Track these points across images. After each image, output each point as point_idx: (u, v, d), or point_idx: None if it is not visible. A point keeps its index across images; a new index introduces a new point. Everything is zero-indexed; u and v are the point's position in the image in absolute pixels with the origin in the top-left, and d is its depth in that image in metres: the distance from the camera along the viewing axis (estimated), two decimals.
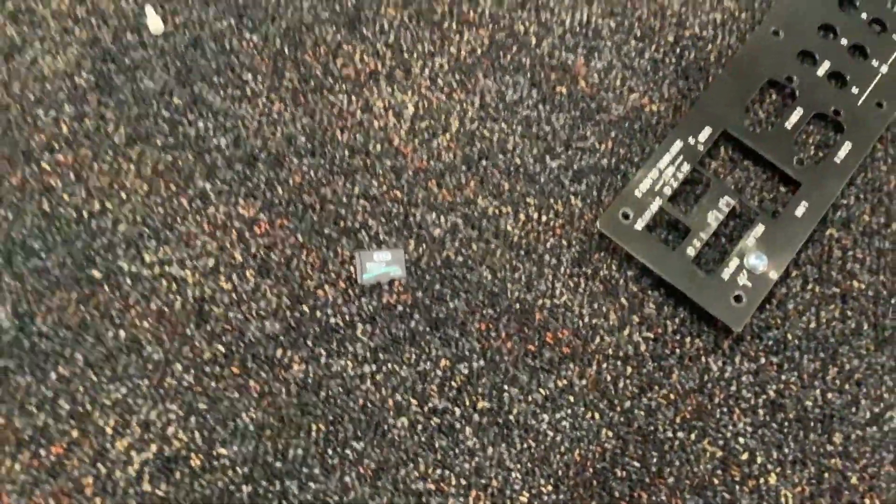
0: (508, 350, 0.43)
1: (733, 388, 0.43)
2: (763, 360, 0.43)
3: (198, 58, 0.47)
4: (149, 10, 0.48)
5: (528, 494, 0.40)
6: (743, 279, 0.44)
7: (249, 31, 0.48)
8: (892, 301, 0.44)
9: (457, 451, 0.41)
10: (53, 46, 0.47)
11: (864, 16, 0.50)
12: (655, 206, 0.45)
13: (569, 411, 0.42)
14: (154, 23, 0.47)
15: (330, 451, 0.40)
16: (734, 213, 0.46)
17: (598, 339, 0.43)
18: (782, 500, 0.41)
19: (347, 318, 0.43)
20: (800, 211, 0.45)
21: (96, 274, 0.43)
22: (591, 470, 0.41)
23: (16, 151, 0.45)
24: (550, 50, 0.49)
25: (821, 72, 0.49)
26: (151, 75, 0.47)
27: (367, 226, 0.45)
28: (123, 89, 0.46)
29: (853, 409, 0.42)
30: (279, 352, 0.42)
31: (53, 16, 0.48)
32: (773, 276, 0.44)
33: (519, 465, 0.41)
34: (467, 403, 0.42)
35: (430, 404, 0.42)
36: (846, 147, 0.47)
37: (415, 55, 0.49)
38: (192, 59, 0.47)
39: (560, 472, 0.41)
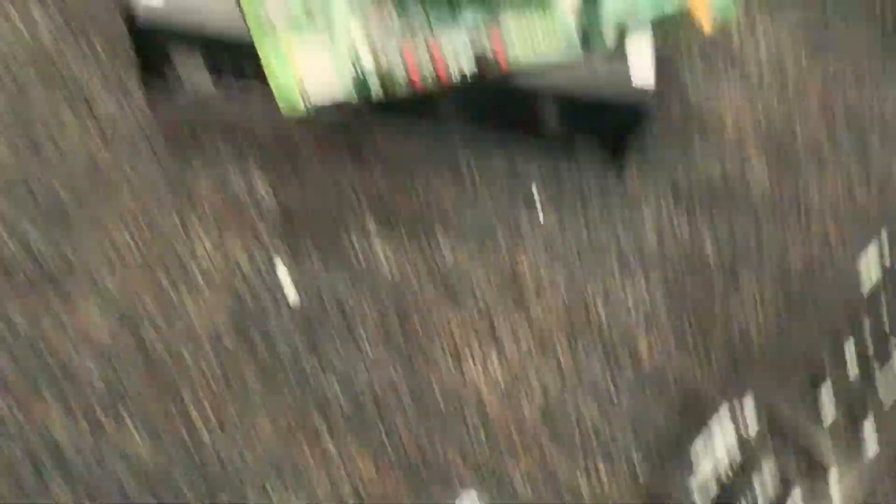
0: None
1: None
2: None
3: (323, 321, 0.56)
4: (281, 269, 0.56)
5: None
6: None
7: (365, 300, 0.57)
8: None
9: None
10: (204, 304, 0.56)
11: None
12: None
13: None
14: (290, 292, 0.56)
15: None
16: None
17: None
18: None
19: None
20: None
21: None
22: None
23: (165, 396, 0.53)
24: (621, 330, 0.58)
25: None
26: (286, 339, 0.55)
27: (463, 482, 0.52)
28: (259, 347, 0.55)
29: None
30: None
31: (203, 274, 0.56)
32: None
33: None
34: None
35: None
36: None
37: (505, 328, 0.57)
38: (320, 322, 0.56)
39: None
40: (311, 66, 0.51)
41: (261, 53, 0.51)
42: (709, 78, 0.67)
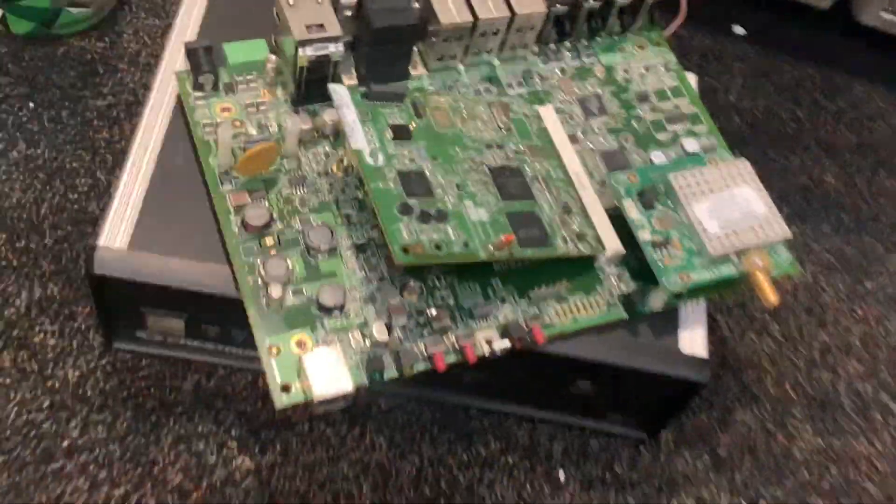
0: None
1: None
2: None
3: None
4: None
5: None
6: None
7: None
8: None
9: None
10: None
11: None
12: None
13: None
14: None
15: None
16: None
17: None
18: None
19: None
20: None
21: None
22: None
23: None
24: None
25: None
26: None
27: None
28: None
29: None
30: None
31: None
32: None
33: None
34: None
35: None
36: None
37: None
38: None
39: None
40: (317, 349, 0.42)
41: (252, 323, 0.42)
42: (747, 334, 0.60)
